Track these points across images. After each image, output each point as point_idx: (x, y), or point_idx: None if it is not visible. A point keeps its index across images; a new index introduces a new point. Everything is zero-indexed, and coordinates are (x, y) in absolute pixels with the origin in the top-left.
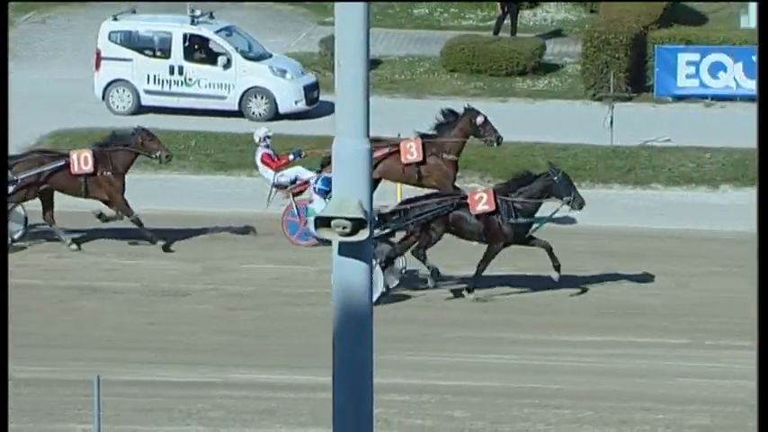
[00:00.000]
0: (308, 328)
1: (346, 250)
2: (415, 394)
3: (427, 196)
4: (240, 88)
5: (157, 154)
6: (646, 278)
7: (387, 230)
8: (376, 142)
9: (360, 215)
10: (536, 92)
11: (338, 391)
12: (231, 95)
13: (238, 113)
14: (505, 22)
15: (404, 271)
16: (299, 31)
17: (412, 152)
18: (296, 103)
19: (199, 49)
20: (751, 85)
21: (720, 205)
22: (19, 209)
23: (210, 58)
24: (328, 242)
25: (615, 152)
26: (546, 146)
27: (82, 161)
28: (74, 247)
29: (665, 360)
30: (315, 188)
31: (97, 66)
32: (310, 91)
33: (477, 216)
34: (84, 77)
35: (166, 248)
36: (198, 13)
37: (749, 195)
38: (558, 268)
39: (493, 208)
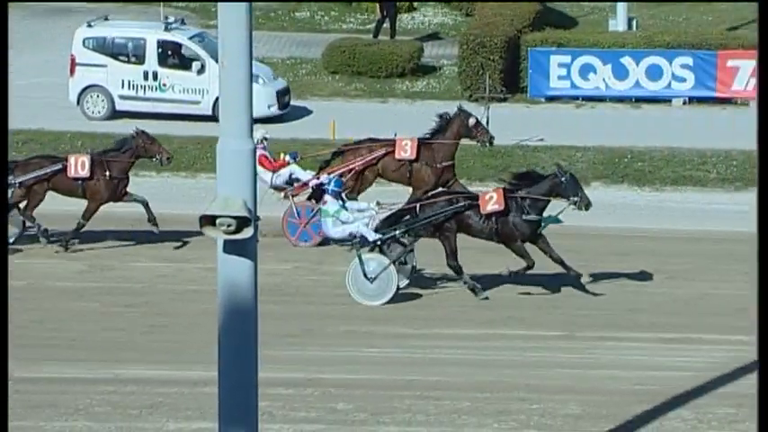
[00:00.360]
0: (194, 324)
1: (231, 248)
2: (299, 388)
3: (435, 195)
4: (214, 93)
5: (158, 156)
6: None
7: (398, 231)
8: (372, 142)
9: (244, 213)
10: (415, 93)
11: (223, 386)
12: (205, 100)
13: (212, 118)
14: (385, 25)
15: (414, 270)
16: None
17: (406, 149)
18: (269, 107)
19: (172, 55)
20: (620, 87)
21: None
22: (15, 213)
23: (184, 63)
24: (328, 242)
25: (491, 151)
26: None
27: (79, 165)
28: (44, 242)
29: (539, 351)
30: (328, 189)
31: (72, 71)
32: (282, 95)
33: (488, 216)
34: (60, 82)
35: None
36: (171, 19)
37: (618, 192)
38: (574, 273)
39: (502, 208)
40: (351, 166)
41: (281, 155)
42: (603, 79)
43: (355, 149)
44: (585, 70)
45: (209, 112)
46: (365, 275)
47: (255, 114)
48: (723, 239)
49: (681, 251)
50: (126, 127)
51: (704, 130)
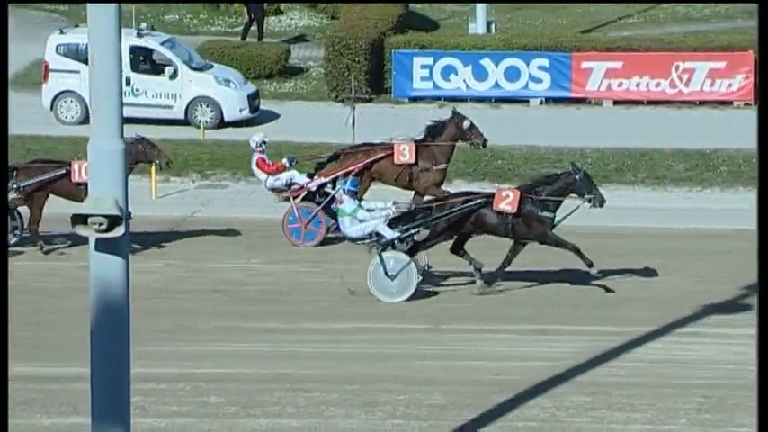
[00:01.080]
0: (68, 321)
1: (103, 246)
2: (172, 382)
3: (454, 195)
4: (186, 98)
5: (158, 161)
6: None
7: (414, 230)
8: (368, 146)
9: (115, 212)
10: (283, 94)
11: (96, 382)
12: (178, 105)
13: (184, 122)
14: (252, 28)
15: (427, 268)
16: None
17: (405, 154)
18: (240, 111)
19: (145, 61)
20: (480, 87)
21: None
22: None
23: (157, 69)
24: (330, 241)
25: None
26: (292, 144)
27: (82, 171)
28: (45, 249)
29: (405, 344)
30: (344, 189)
31: (45, 77)
32: (252, 99)
33: (500, 213)
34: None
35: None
36: (143, 26)
37: (477, 188)
38: (590, 265)
39: (515, 210)
40: (348, 170)
41: (285, 159)
42: (464, 80)
43: (352, 153)
44: (447, 72)
45: (182, 117)
46: (386, 273)
47: (228, 118)
48: (589, 234)
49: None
50: None
51: (560, 128)
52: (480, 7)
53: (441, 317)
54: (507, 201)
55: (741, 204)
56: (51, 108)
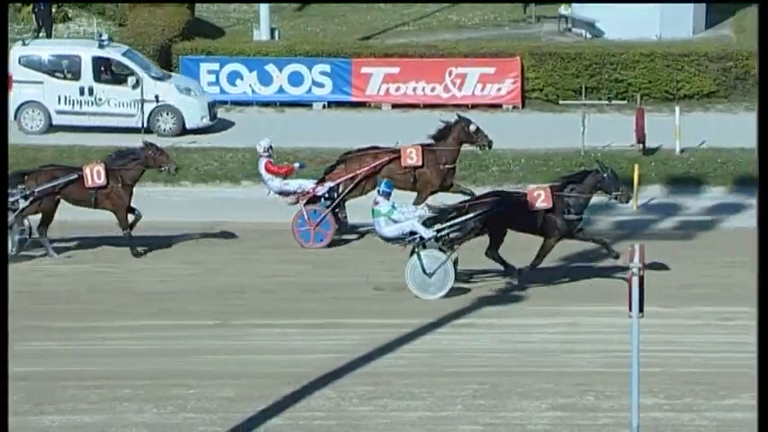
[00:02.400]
0: None
1: None
2: None
3: (486, 195)
4: (149, 106)
5: (166, 167)
6: (170, 266)
7: (447, 230)
8: (375, 150)
9: None
10: None
11: None
12: (140, 113)
13: (147, 130)
14: (41, 34)
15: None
16: None
17: (412, 156)
18: (201, 118)
19: (106, 71)
20: (265, 92)
21: (240, 200)
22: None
23: (119, 78)
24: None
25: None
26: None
27: (95, 175)
28: (56, 256)
29: (195, 340)
30: (379, 190)
31: (9, 88)
32: (212, 107)
33: (534, 212)
34: None
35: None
36: (105, 37)
37: (266, 190)
38: (616, 257)
39: (550, 205)
40: (355, 173)
41: (296, 163)
42: (250, 85)
43: (359, 157)
44: (233, 77)
45: (145, 125)
46: (424, 271)
47: (190, 125)
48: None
49: (331, 242)
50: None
51: (342, 131)
52: (264, 15)
53: (230, 313)
54: (541, 198)
55: None
56: (15, 118)
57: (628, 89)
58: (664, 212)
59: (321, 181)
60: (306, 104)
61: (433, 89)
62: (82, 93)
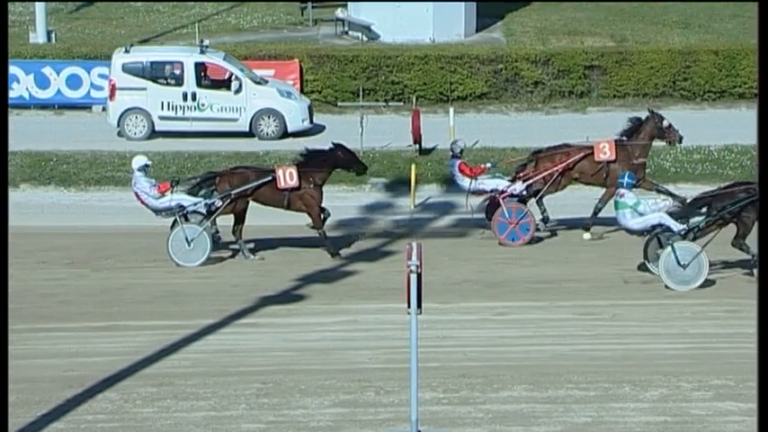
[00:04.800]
0: None
1: None
2: None
3: (729, 186)
4: (251, 110)
5: (354, 168)
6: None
7: (701, 221)
8: (566, 147)
9: None
10: None
11: None
12: (243, 117)
13: (249, 134)
14: None
15: None
16: None
17: (605, 151)
18: (302, 121)
19: (208, 76)
20: (42, 95)
21: (19, 203)
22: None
23: (222, 83)
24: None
25: None
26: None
27: (287, 176)
28: (252, 257)
29: None
30: (623, 183)
31: (112, 96)
32: (310, 111)
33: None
34: None
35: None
36: (206, 43)
37: (46, 193)
38: None
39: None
40: (549, 171)
41: (488, 163)
42: (27, 88)
43: (551, 155)
44: (9, 80)
45: (247, 129)
46: (678, 263)
47: (292, 129)
48: (144, 234)
49: (105, 245)
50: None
51: (122, 134)
52: (40, 17)
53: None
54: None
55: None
56: (118, 125)
57: (404, 91)
58: (440, 211)
59: (515, 180)
60: (85, 107)
61: None
62: (185, 98)
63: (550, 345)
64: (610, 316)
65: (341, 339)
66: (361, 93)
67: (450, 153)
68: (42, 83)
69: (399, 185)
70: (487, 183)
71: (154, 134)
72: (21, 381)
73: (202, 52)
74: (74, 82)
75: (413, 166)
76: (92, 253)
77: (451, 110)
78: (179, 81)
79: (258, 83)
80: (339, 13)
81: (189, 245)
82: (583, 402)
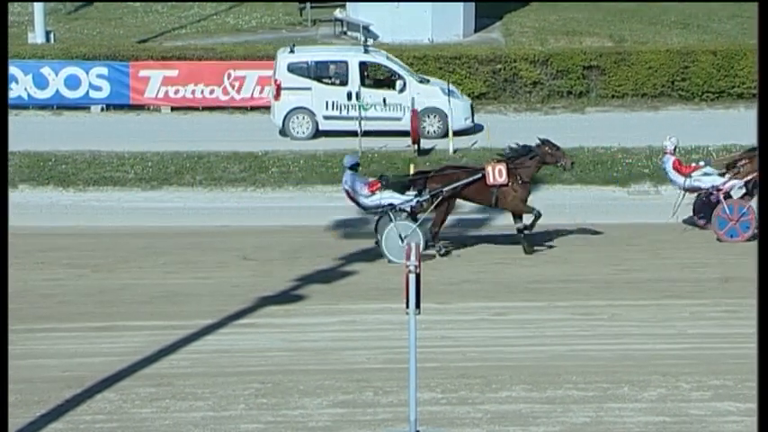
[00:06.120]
0: None
1: None
2: None
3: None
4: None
5: (562, 162)
6: None
7: None
8: (752, 150)
9: None
10: None
11: None
12: (406, 117)
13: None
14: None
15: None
16: None
17: None
18: (465, 120)
19: (372, 76)
20: (41, 95)
21: (18, 203)
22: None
23: (386, 82)
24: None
25: None
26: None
27: (497, 173)
28: (442, 251)
29: None
30: None
31: (277, 96)
32: (472, 110)
33: None
34: None
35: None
36: (370, 42)
37: (44, 193)
38: None
39: None
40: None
41: (702, 161)
42: (25, 88)
43: None
44: (9, 80)
45: (409, 128)
46: None
47: (455, 127)
48: (143, 234)
49: (104, 245)
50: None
51: (121, 134)
52: (39, 17)
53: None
54: None
55: (290, 203)
56: (283, 125)
57: None
58: None
59: (729, 176)
60: (83, 107)
61: (212, 92)
62: (349, 98)
63: (549, 345)
64: (608, 316)
65: (340, 340)
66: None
67: (664, 150)
68: (41, 83)
69: None
70: (704, 180)
71: (317, 134)
72: (20, 381)
73: (366, 52)
74: (72, 82)
75: (411, 167)
76: (91, 253)
77: (450, 110)
78: (343, 80)
79: (421, 82)
80: (338, 13)
81: (402, 242)
82: (581, 402)
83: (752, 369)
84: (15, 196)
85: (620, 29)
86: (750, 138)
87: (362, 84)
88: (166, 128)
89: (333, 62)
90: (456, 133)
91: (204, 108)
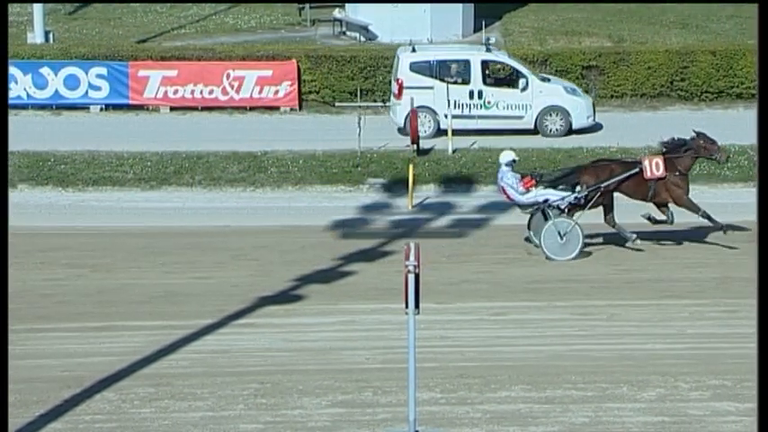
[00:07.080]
0: None
1: None
2: None
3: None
4: (537, 108)
5: (716, 156)
6: None
7: None
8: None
9: None
10: None
11: None
12: (528, 114)
13: (533, 131)
14: None
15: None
16: None
17: None
18: (587, 118)
19: (494, 74)
20: (40, 95)
21: (17, 203)
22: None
23: (508, 81)
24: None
25: None
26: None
27: (654, 167)
28: (638, 242)
29: None
30: None
31: (399, 95)
32: (594, 107)
33: None
34: None
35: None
36: (492, 40)
37: (43, 193)
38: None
39: None
40: None
41: None
42: (24, 88)
43: None
44: (8, 80)
45: (532, 126)
46: None
47: (576, 125)
48: (142, 234)
49: (103, 245)
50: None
51: (120, 134)
52: (38, 17)
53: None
54: None
55: (289, 203)
56: (404, 124)
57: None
58: (438, 211)
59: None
60: (83, 107)
61: (211, 92)
62: (471, 96)
63: (548, 345)
64: (608, 316)
65: (339, 339)
66: (358, 93)
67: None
68: (40, 83)
69: (397, 186)
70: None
71: (439, 132)
72: (19, 381)
73: (488, 50)
74: (71, 82)
75: (410, 167)
76: (90, 253)
77: (450, 110)
78: (466, 79)
79: (543, 80)
80: (337, 13)
81: (561, 239)
82: (580, 402)
83: (751, 369)
84: (15, 196)
85: (619, 29)
86: (750, 137)
87: (485, 83)
88: (165, 128)
89: (455, 61)
90: (577, 131)
91: (203, 108)
